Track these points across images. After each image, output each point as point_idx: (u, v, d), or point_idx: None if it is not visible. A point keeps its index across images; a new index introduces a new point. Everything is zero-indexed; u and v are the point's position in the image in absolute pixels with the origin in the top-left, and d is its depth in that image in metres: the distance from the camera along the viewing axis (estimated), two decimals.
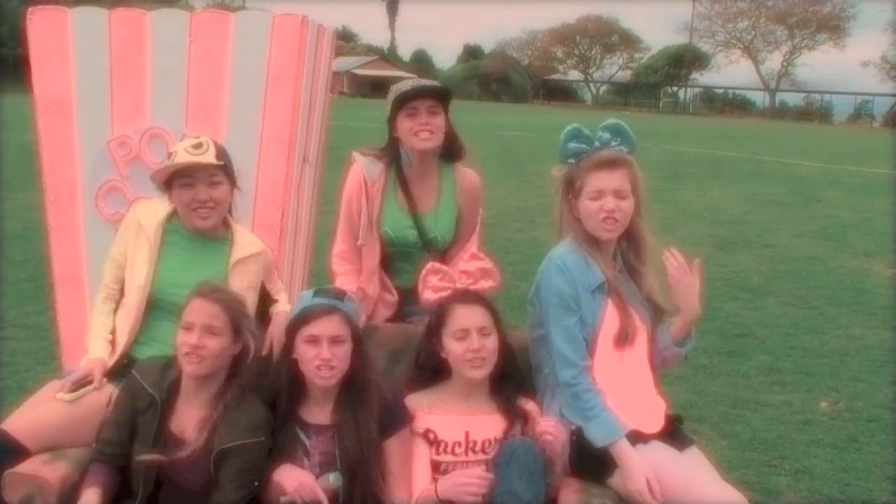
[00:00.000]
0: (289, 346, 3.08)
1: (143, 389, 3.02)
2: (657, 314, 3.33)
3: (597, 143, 3.23)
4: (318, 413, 3.11)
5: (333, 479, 2.95)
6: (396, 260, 3.89)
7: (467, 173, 3.92)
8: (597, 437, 3.06)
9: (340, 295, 3.14)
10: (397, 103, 3.69)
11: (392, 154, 3.83)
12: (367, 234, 3.79)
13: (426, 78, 3.87)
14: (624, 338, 3.18)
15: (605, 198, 3.14)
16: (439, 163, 3.87)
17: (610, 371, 3.17)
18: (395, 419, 3.11)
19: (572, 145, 3.25)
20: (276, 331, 3.41)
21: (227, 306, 3.02)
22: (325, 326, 3.00)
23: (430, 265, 3.39)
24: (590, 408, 3.09)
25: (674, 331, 3.28)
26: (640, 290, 3.30)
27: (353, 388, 3.08)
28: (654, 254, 3.30)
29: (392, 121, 3.77)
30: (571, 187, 3.24)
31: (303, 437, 3.08)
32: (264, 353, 3.35)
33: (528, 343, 3.40)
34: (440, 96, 3.73)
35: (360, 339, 3.12)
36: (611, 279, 3.19)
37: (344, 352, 3.02)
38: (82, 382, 3.16)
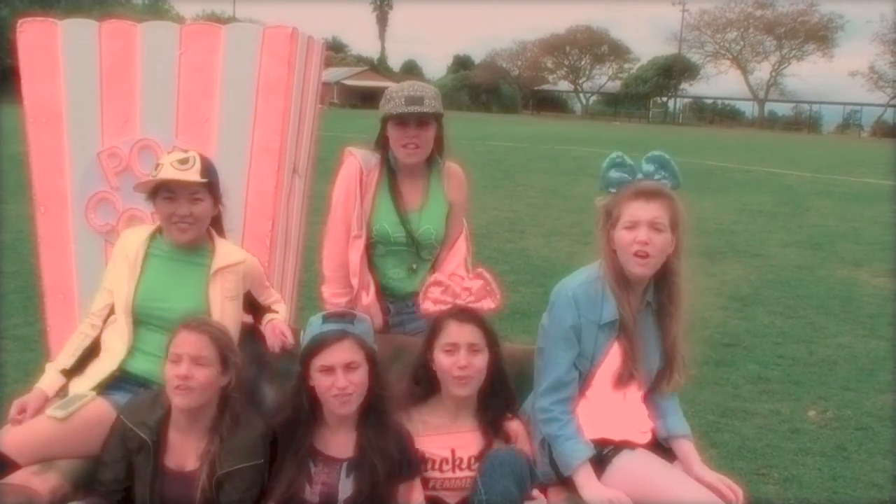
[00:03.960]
0: (304, 374, 3.04)
1: (131, 431, 3.00)
2: (670, 359, 3.25)
3: (640, 175, 3.15)
4: (331, 442, 3.08)
5: None
6: (387, 259, 3.82)
7: (452, 167, 3.89)
8: (561, 464, 3.09)
9: (350, 318, 3.08)
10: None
11: (383, 152, 3.77)
12: (358, 227, 3.73)
13: (422, 83, 3.78)
14: (624, 379, 3.15)
15: (640, 229, 3.03)
16: (425, 163, 3.83)
17: (600, 399, 3.18)
18: (408, 466, 3.07)
19: (614, 174, 3.16)
20: (273, 322, 3.53)
21: (214, 337, 3.00)
22: (338, 354, 2.96)
23: (433, 277, 3.39)
24: (556, 436, 3.10)
25: (676, 449, 3.23)
26: (660, 330, 3.22)
27: (371, 413, 3.05)
28: (687, 298, 3.22)
29: (385, 122, 3.71)
30: (609, 217, 3.15)
31: (310, 463, 3.05)
32: (278, 348, 3.46)
33: (536, 352, 3.35)
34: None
35: (375, 361, 3.06)
36: (626, 319, 3.12)
37: (360, 377, 2.98)
38: (72, 398, 3.16)
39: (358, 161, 3.77)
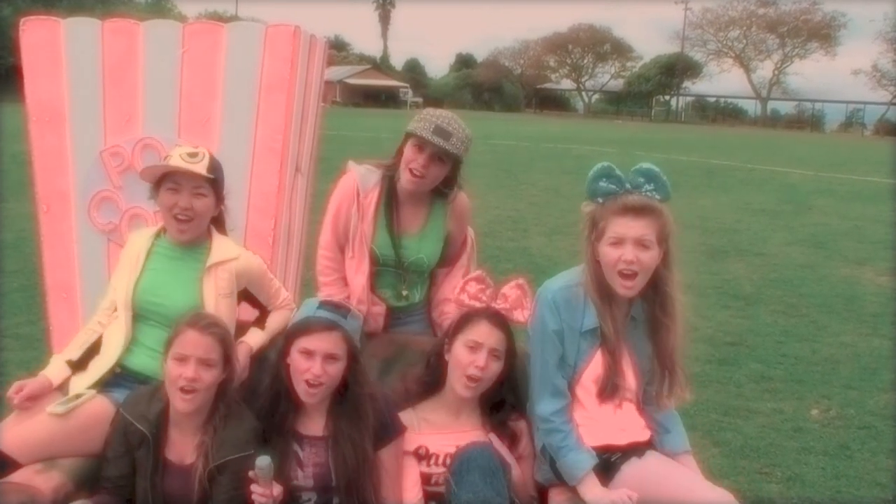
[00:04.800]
0: (285, 351, 3.07)
1: (132, 426, 3.01)
2: (669, 373, 3.18)
3: (627, 186, 3.07)
4: (312, 424, 3.11)
5: (259, 461, 2.80)
6: (383, 278, 3.82)
7: (459, 196, 3.82)
8: (566, 476, 3.08)
9: (345, 311, 3.10)
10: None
11: (394, 167, 3.70)
12: (358, 248, 3.72)
13: (461, 122, 3.64)
14: (609, 391, 3.11)
15: (625, 246, 2.98)
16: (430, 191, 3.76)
17: (600, 415, 3.14)
18: (388, 430, 3.11)
19: (602, 185, 3.08)
20: (239, 347, 3.39)
21: (222, 339, 3.01)
22: (322, 342, 2.98)
23: (477, 273, 3.38)
24: (558, 447, 3.08)
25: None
26: (656, 343, 3.17)
27: (345, 401, 3.07)
28: (682, 309, 3.15)
29: (406, 137, 3.62)
30: (595, 228, 3.10)
31: (296, 447, 3.08)
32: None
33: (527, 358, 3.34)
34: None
35: (356, 358, 3.08)
36: (607, 330, 3.09)
37: (336, 370, 3.01)
38: (72, 396, 3.16)
39: (355, 181, 3.73)
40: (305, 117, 4.56)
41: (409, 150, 3.59)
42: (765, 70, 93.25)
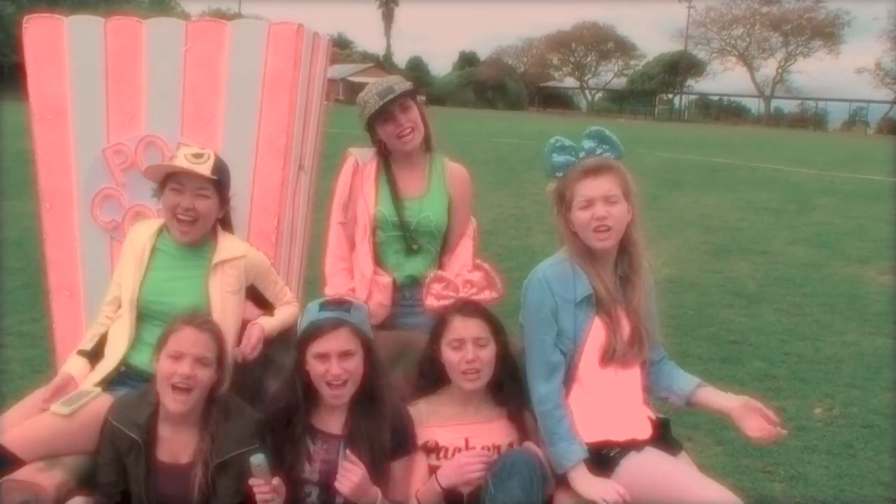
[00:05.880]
0: (300, 360, 3.05)
1: (120, 433, 2.98)
2: (637, 328, 3.21)
3: (582, 153, 3.18)
4: (329, 421, 3.10)
5: (254, 459, 2.80)
6: (390, 245, 3.84)
7: (455, 165, 3.96)
8: (554, 464, 3.08)
9: (347, 305, 3.09)
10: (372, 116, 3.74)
11: (382, 150, 3.87)
12: (362, 213, 3.79)
13: (384, 77, 3.90)
14: (609, 356, 3.14)
15: (595, 205, 3.08)
16: (424, 153, 3.90)
17: (594, 385, 3.16)
18: (402, 444, 3.10)
19: (558, 158, 3.21)
20: (254, 328, 3.44)
21: (217, 337, 3.01)
22: (334, 342, 2.98)
23: (434, 273, 3.40)
24: (551, 433, 3.08)
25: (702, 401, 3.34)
26: (628, 301, 3.22)
27: (366, 397, 3.07)
28: (647, 264, 3.25)
29: (370, 128, 3.81)
30: (563, 200, 3.19)
31: (308, 441, 3.08)
32: (239, 359, 3.35)
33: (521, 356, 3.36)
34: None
35: (371, 349, 3.09)
36: (601, 293, 3.14)
37: (354, 365, 3.00)
38: (76, 395, 3.16)
39: (354, 159, 3.88)
40: (308, 115, 4.55)
41: (382, 130, 3.77)
42: (768, 68, 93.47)
